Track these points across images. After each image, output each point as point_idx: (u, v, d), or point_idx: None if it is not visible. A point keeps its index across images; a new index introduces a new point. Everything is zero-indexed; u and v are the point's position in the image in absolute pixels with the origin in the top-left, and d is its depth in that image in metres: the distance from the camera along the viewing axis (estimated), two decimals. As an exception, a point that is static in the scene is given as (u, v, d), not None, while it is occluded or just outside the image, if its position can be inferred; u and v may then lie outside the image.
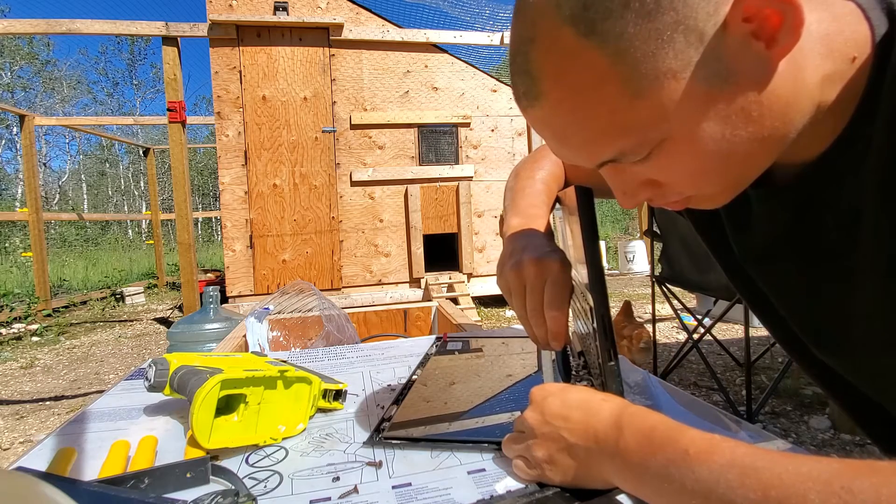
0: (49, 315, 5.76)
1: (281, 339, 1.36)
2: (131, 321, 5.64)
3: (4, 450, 2.44)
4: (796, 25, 0.33)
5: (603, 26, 0.33)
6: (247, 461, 0.53)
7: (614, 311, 2.99)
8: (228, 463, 0.52)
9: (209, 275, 6.70)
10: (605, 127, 0.37)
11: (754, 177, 0.41)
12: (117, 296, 7.03)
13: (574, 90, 0.36)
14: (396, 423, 0.59)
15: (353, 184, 5.08)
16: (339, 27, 4.91)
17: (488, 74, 5.47)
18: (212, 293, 2.91)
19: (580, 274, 0.54)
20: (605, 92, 0.35)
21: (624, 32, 0.33)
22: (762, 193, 0.48)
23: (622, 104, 0.35)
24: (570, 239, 0.62)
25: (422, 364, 0.81)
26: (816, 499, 0.27)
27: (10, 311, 5.49)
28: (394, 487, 0.46)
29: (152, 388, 0.63)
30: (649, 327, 2.78)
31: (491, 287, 5.32)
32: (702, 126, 0.36)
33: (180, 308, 5.30)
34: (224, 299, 4.64)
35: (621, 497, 0.42)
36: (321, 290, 2.12)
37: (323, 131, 4.98)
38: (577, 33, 0.34)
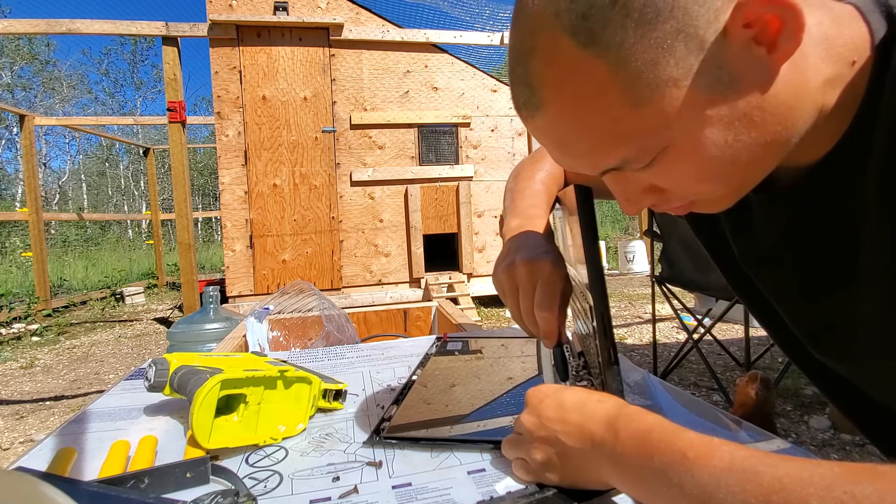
0: (49, 315, 5.76)
1: (281, 339, 1.36)
2: (131, 321, 5.63)
3: (4, 450, 2.44)
4: (797, 30, 0.33)
5: (603, 36, 0.33)
6: (247, 461, 0.53)
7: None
8: (228, 463, 0.52)
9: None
10: (606, 136, 0.37)
11: (758, 181, 0.41)
12: (117, 296, 7.03)
13: (575, 100, 0.36)
14: (396, 424, 0.59)
15: (353, 184, 5.08)
16: (339, 27, 4.91)
17: (488, 74, 5.47)
18: (212, 293, 2.90)
19: (580, 274, 0.54)
20: (606, 101, 0.35)
21: (624, 41, 0.33)
22: (763, 197, 0.48)
23: (624, 113, 0.35)
24: (569, 239, 0.62)
25: (422, 364, 0.81)
26: None
27: (10, 311, 5.49)
28: (394, 487, 0.46)
29: (152, 388, 0.63)
30: (649, 327, 2.78)
31: (491, 287, 5.31)
32: (704, 132, 0.35)
33: (180, 308, 5.30)
34: (224, 299, 4.64)
35: (619, 498, 0.42)
36: (321, 290, 2.12)
37: (323, 131, 4.98)
38: (577, 43, 0.34)
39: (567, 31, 0.34)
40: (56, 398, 3.16)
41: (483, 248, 5.46)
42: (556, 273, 0.54)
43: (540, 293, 0.53)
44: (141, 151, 11.01)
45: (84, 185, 22.78)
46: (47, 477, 0.44)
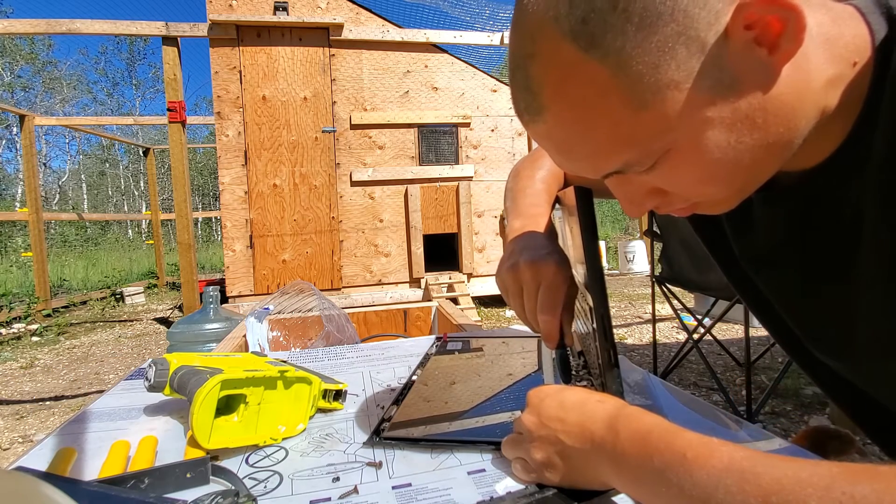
0: (49, 315, 5.76)
1: (281, 339, 1.36)
2: (131, 321, 5.63)
3: (4, 450, 2.44)
4: (798, 31, 0.33)
5: (603, 40, 0.33)
6: (247, 461, 0.53)
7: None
8: (228, 463, 0.52)
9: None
10: (608, 140, 0.37)
11: (761, 182, 0.41)
12: (117, 296, 7.03)
13: (576, 104, 0.36)
14: (396, 422, 0.59)
15: (353, 184, 5.08)
16: (339, 27, 4.91)
17: (488, 74, 5.47)
18: (212, 293, 2.90)
19: (580, 274, 0.54)
20: (607, 105, 0.35)
21: (624, 45, 0.33)
22: (765, 197, 0.48)
23: (625, 117, 0.35)
24: (569, 239, 0.62)
25: (422, 364, 0.81)
26: None
27: (10, 310, 5.49)
28: (394, 488, 0.46)
29: (152, 388, 0.63)
30: (649, 327, 2.78)
31: (491, 287, 5.32)
32: (706, 135, 0.35)
33: (180, 308, 5.30)
34: (224, 299, 4.64)
35: (619, 498, 0.42)
36: (321, 290, 2.12)
37: (323, 131, 4.97)
38: (577, 48, 0.34)
39: (567, 36, 0.34)
40: (56, 398, 3.16)
41: (483, 248, 5.46)
42: (560, 275, 0.54)
43: (543, 295, 0.53)
44: (141, 151, 11.01)
45: (84, 185, 22.77)
46: (47, 477, 0.44)
